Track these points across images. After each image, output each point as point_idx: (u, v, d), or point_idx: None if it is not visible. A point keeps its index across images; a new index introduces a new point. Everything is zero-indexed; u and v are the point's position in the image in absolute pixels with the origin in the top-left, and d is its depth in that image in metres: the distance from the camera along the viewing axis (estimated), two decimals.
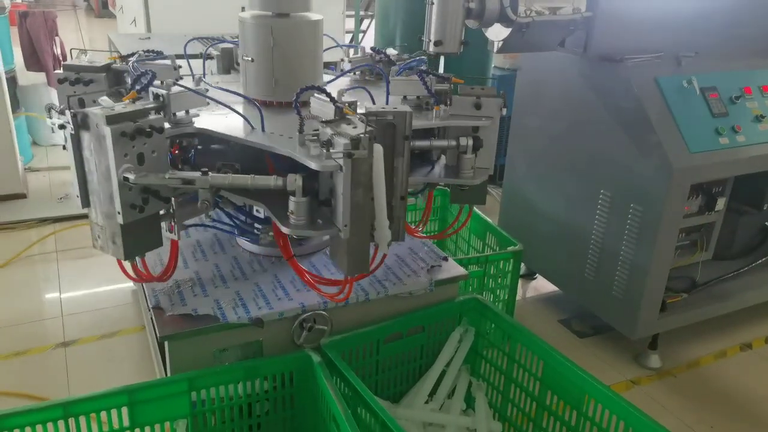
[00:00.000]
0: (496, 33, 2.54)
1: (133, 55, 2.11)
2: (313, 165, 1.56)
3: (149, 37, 4.15)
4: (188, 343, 1.84)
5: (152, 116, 1.63)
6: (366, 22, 8.55)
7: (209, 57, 2.54)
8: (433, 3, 2.33)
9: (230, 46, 2.50)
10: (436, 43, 2.37)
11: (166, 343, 1.84)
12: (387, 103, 2.05)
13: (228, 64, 2.53)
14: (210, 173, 1.65)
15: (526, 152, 3.21)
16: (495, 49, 2.59)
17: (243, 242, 2.31)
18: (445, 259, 2.33)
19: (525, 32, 2.46)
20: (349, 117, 1.66)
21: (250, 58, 1.98)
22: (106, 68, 2.02)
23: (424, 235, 2.53)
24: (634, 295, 2.64)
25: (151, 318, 1.96)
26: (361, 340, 2.08)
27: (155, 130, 1.60)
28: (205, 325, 1.85)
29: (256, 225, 2.16)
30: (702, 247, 3.06)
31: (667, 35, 2.71)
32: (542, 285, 3.48)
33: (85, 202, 1.70)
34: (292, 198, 1.62)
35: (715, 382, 2.81)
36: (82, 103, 1.82)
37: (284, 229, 1.66)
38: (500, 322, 2.20)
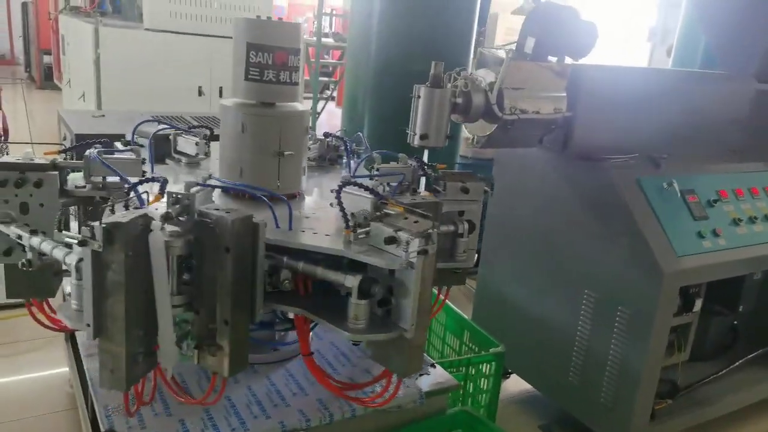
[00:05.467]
0: (481, 128, 2.50)
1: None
2: (384, 264, 1.47)
3: (104, 115, 3.94)
4: None
5: (50, 172, 1.72)
6: (320, 104, 8.62)
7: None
8: (419, 97, 2.28)
9: (168, 131, 2.28)
10: (422, 137, 2.31)
11: None
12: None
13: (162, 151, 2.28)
14: None
15: (502, 246, 3.12)
16: (479, 144, 2.56)
17: None
18: (433, 365, 2.15)
19: (510, 129, 2.44)
20: (395, 211, 1.59)
21: (291, 152, 1.87)
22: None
23: None
24: (623, 401, 2.50)
25: None
26: None
27: (33, 185, 1.68)
28: None
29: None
30: (680, 348, 3.00)
31: (641, 136, 2.75)
32: (518, 384, 3.31)
33: None
34: (352, 301, 1.51)
35: None
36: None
37: (346, 335, 1.53)
38: None
